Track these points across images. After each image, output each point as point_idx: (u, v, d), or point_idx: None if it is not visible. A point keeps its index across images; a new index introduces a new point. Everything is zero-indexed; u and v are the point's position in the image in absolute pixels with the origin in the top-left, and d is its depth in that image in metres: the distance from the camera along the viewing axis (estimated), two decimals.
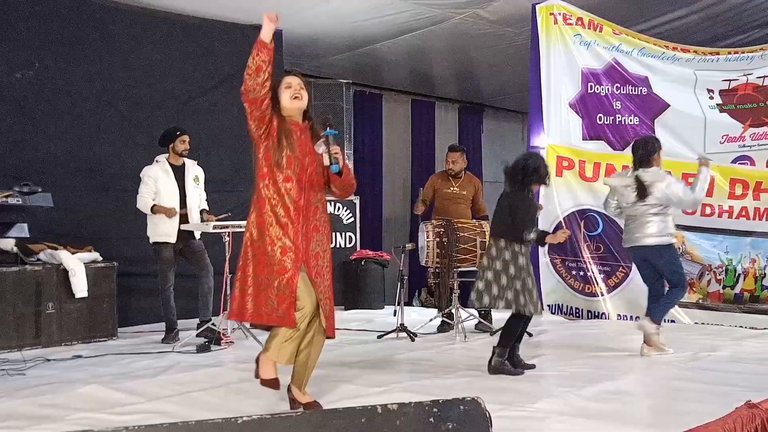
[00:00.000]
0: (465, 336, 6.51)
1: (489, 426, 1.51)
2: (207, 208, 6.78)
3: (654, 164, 5.83)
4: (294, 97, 4.00)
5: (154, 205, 6.42)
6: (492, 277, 5.07)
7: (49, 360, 5.68)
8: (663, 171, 5.91)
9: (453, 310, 6.71)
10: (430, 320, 7.02)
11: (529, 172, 5.14)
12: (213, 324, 6.38)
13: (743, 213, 7.35)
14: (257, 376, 3.97)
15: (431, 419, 1.50)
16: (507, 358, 5.08)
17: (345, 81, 9.78)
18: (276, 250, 3.84)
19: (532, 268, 5.21)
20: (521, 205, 5.11)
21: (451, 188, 7.36)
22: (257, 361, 4.00)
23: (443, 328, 6.98)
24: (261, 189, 3.92)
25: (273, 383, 3.92)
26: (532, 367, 5.17)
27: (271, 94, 3.92)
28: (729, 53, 7.85)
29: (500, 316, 6.99)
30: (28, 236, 6.00)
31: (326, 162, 3.97)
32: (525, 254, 5.10)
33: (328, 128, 3.99)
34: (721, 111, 7.70)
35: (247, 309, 3.88)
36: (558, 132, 8.01)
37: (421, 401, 1.51)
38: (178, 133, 6.59)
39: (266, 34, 3.77)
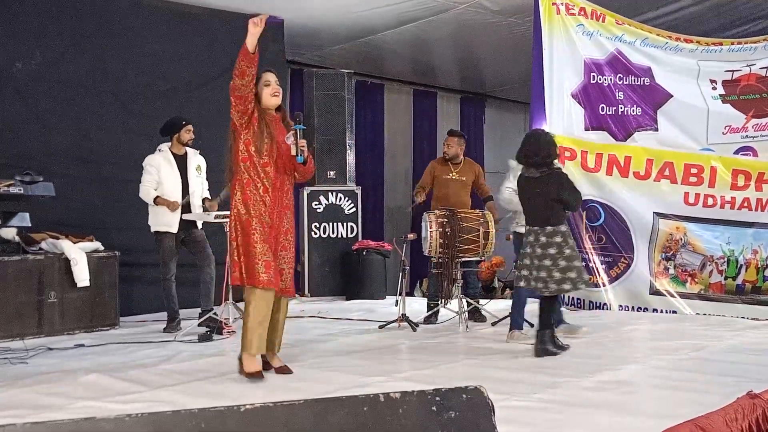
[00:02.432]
0: (467, 326, 6.52)
1: (492, 415, 1.51)
2: (209, 197, 6.77)
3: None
4: (273, 94, 4.55)
5: (158, 197, 6.42)
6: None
7: (51, 349, 5.68)
8: (516, 163, 5.86)
9: (456, 300, 6.71)
10: (430, 311, 7.03)
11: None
12: (215, 313, 6.39)
13: (745, 204, 7.34)
14: (241, 372, 4.49)
15: (434, 408, 1.50)
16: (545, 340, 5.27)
17: (347, 71, 9.76)
18: (264, 223, 4.43)
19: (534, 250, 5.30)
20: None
21: (450, 174, 7.32)
22: (240, 360, 4.52)
23: (430, 319, 6.97)
24: (244, 171, 4.45)
25: (257, 375, 4.41)
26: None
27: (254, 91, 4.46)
28: (732, 44, 7.83)
29: (496, 307, 7.01)
30: (30, 225, 6.02)
31: (293, 152, 4.50)
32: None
33: (297, 123, 4.51)
34: (723, 101, 7.68)
35: (258, 274, 4.37)
36: (560, 122, 7.98)
37: (424, 390, 1.51)
38: (183, 122, 6.58)
39: (251, 43, 4.27)
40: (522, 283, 5.40)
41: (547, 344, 5.20)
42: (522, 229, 5.81)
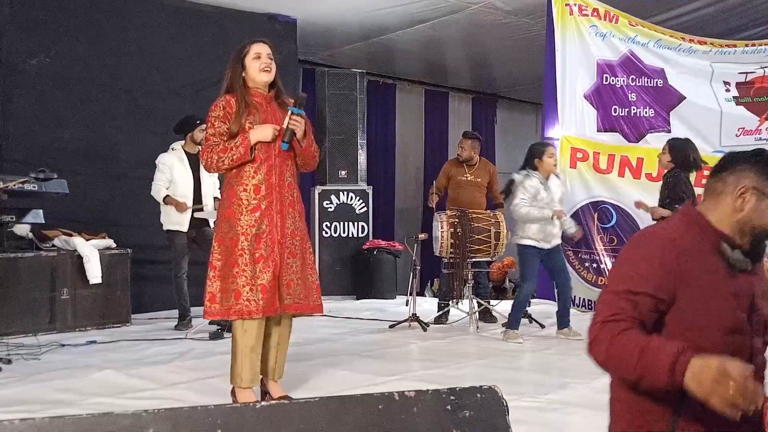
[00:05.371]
0: (478, 326, 6.52)
1: (506, 414, 1.52)
2: (220, 197, 6.78)
3: (538, 168, 6.11)
4: (263, 69, 3.81)
5: (167, 196, 6.43)
6: None
7: (63, 345, 5.71)
8: (523, 176, 6.13)
9: (467, 300, 6.70)
10: (441, 311, 7.03)
11: None
12: None
13: None
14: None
15: (448, 407, 1.50)
16: None
17: (359, 71, 9.76)
18: (251, 240, 3.68)
19: None
20: None
21: (465, 175, 7.29)
22: (233, 394, 3.88)
23: (441, 319, 6.97)
24: (229, 176, 3.81)
25: None
26: None
27: (235, 70, 3.84)
28: (746, 45, 7.81)
29: (507, 308, 6.99)
30: (44, 222, 6.04)
31: (285, 137, 3.79)
32: None
33: (294, 106, 3.82)
34: (737, 104, 7.66)
35: (216, 305, 3.73)
36: (572, 123, 7.97)
37: (438, 389, 1.51)
38: (198, 122, 6.59)
39: (250, 149, 3.70)
40: None
41: None
42: (526, 242, 6.00)
